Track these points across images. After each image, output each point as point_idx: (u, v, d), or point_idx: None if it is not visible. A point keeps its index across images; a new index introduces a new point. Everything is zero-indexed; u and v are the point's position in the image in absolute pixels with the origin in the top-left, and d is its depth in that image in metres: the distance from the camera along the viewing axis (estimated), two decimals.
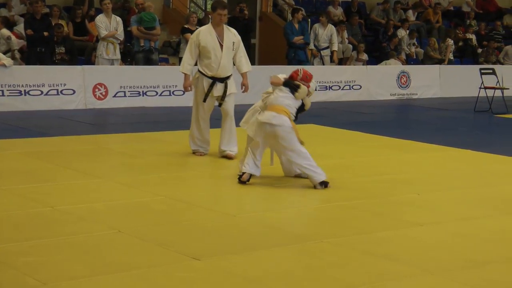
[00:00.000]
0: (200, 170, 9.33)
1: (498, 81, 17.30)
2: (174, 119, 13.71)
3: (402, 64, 19.65)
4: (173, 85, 15.39)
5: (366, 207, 7.60)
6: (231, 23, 17.47)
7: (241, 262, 5.80)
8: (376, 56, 20.31)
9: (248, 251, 6.07)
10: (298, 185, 8.39)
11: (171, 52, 18.15)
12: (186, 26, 16.20)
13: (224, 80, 9.68)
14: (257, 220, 7.14)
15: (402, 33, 20.60)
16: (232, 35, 9.70)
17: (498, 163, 10.44)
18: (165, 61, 17.52)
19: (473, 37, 22.56)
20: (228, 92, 9.70)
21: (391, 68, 19.20)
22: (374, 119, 15.27)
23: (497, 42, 22.54)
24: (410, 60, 20.58)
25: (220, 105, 9.73)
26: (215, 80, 9.63)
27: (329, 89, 17.64)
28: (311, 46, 18.57)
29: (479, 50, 22.19)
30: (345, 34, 19.73)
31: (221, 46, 9.57)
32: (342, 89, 17.93)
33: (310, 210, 7.65)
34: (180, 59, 16.36)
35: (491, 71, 17.49)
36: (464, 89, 18.97)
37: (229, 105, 9.78)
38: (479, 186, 8.89)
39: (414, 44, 20.95)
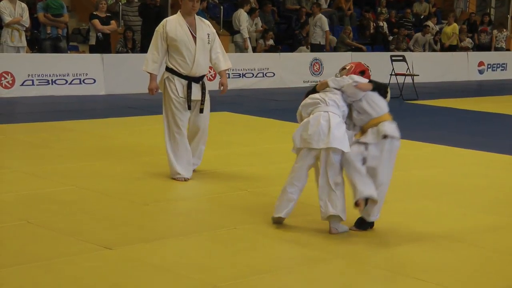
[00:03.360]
0: (111, 160, 9.15)
1: (408, 68, 17.61)
2: (84, 108, 13.49)
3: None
4: (83, 73, 15.12)
5: (278, 194, 7.58)
6: (142, 10, 17.29)
7: (153, 251, 5.74)
8: (289, 44, 20.40)
9: (160, 240, 6.01)
10: (209, 173, 8.34)
11: (80, 40, 17.82)
12: (95, 13, 15.90)
13: (200, 80, 8.06)
14: (169, 208, 7.09)
15: None
16: (206, 26, 8.11)
17: (408, 149, 10.57)
18: (75, 49, 17.18)
19: (384, 24, 22.89)
20: (206, 97, 8.11)
21: (304, 55, 19.31)
22: (287, 106, 15.29)
23: (407, 29, 22.91)
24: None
25: (201, 111, 8.11)
26: (190, 80, 7.99)
27: (242, 77, 17.61)
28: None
29: (390, 38, 22.54)
30: (259, 21, 19.73)
31: (194, 38, 7.99)
32: (256, 76, 17.94)
33: (222, 198, 7.60)
34: (91, 47, 16.13)
35: (401, 58, 17.78)
36: (376, 75, 18.73)
37: (205, 117, 8.16)
38: None
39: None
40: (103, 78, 15.40)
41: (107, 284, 5.06)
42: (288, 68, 18.62)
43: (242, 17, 18.68)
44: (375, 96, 6.47)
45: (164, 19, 8.21)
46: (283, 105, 15.41)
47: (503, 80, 22.40)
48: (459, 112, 15.03)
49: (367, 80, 6.56)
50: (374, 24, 22.72)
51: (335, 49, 20.90)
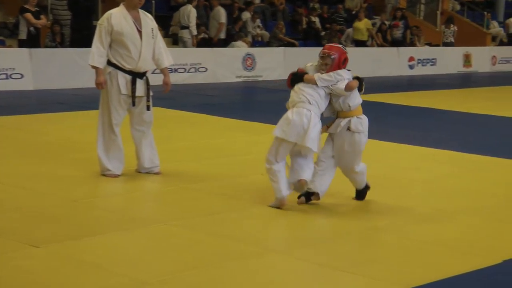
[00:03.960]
0: (40, 156, 8.94)
1: None
2: (12, 104, 13.19)
3: (248, 47, 19.76)
4: (10, 68, 14.80)
5: (211, 189, 7.55)
6: (72, 4, 16.97)
7: (82, 248, 5.64)
8: (222, 39, 20.28)
9: (89, 236, 5.90)
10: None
11: (7, 34, 17.42)
12: (25, 6, 15.56)
13: (143, 75, 7.88)
14: (100, 205, 6.97)
15: (247, 15, 20.70)
16: (150, 20, 7.91)
17: None
18: (1, 43, 16.79)
19: (317, 19, 23.00)
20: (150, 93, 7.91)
21: (237, 50, 19.26)
22: (219, 101, 15.28)
23: (339, 24, 23.08)
24: (255, 42, 20.72)
25: (148, 108, 7.92)
26: (135, 76, 7.80)
27: (175, 72, 17.45)
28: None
29: (323, 33, 22.65)
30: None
31: (140, 33, 7.77)
32: (188, 71, 17.82)
33: (155, 194, 7.51)
34: (20, 41, 15.79)
35: None
36: None
37: (151, 114, 7.97)
38: None
39: (259, 27, 21.12)
40: (31, 73, 15.09)
41: (35, 282, 4.94)
42: (221, 63, 18.55)
43: (192, 14, 18.49)
44: (352, 92, 6.96)
45: (107, 12, 7.92)
46: (216, 100, 15.36)
47: (433, 75, 22.74)
48: (391, 106, 15.19)
49: (350, 74, 7.01)
50: (307, 20, 22.81)
51: (267, 44, 20.91)
